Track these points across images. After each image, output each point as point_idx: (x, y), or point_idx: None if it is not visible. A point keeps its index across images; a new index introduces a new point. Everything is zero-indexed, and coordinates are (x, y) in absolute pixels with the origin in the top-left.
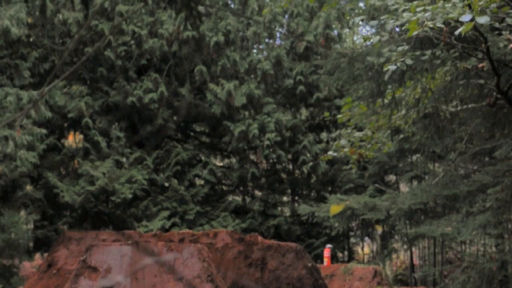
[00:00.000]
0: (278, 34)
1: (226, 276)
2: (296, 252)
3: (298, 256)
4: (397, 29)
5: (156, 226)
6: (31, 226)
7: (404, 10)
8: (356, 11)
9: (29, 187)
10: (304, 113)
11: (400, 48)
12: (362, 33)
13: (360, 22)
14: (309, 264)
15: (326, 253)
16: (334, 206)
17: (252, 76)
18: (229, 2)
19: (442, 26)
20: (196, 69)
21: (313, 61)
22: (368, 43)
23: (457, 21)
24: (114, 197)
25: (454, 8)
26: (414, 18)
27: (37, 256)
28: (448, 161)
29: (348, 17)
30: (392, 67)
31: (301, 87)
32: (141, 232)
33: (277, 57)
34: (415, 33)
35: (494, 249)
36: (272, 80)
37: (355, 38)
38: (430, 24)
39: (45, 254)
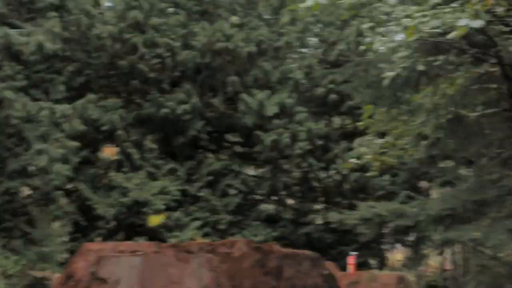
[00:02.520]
0: (310, 43)
1: (242, 285)
2: (312, 260)
3: (314, 264)
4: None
5: (187, 236)
6: (65, 238)
7: (405, 16)
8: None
9: (63, 200)
10: (336, 121)
11: (400, 54)
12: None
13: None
14: (325, 272)
15: (351, 260)
16: (153, 217)
17: (284, 85)
18: (262, 12)
19: (440, 31)
20: (229, 79)
21: (338, 70)
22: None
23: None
24: (147, 208)
25: (455, 13)
26: (412, 23)
27: (66, 268)
28: (479, 166)
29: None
30: (391, 73)
31: (332, 96)
32: (160, 243)
33: (309, 66)
34: (412, 38)
35: None
36: (304, 89)
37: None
38: (427, 29)
39: None
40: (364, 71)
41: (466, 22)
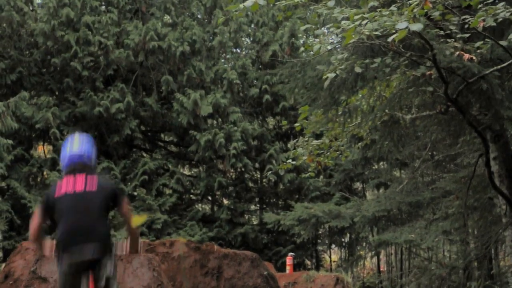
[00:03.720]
0: (244, 44)
1: (182, 286)
2: (252, 261)
3: (253, 265)
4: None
5: (123, 235)
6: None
7: (344, 18)
8: (309, 19)
9: None
10: (270, 122)
11: (339, 56)
12: (325, 42)
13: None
14: (265, 273)
15: (289, 261)
16: (137, 217)
17: (218, 85)
18: (195, 12)
19: (379, 33)
20: (163, 79)
21: (275, 70)
22: (323, 50)
23: (397, 29)
24: None
25: (394, 16)
26: (351, 26)
27: (3, 267)
28: (412, 168)
29: (302, 26)
30: (331, 75)
31: (267, 96)
32: None
33: (242, 67)
34: (351, 41)
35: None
36: (238, 89)
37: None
38: (366, 32)
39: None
40: (301, 72)
41: (405, 25)
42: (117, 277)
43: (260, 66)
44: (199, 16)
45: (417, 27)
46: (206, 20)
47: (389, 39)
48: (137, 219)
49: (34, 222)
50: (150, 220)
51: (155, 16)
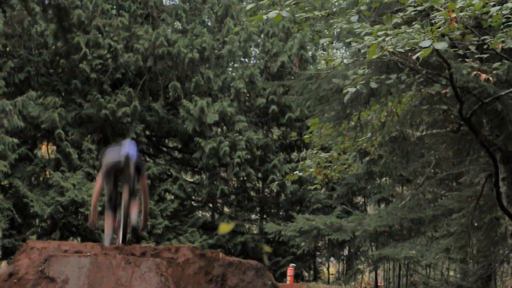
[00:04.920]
0: (253, 53)
1: None
2: (256, 270)
3: (258, 274)
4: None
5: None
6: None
7: (366, 34)
8: (326, 32)
9: None
10: (275, 132)
11: (361, 71)
12: (336, 56)
13: (332, 44)
14: (269, 282)
15: (290, 272)
16: (223, 225)
17: (226, 94)
18: (206, 19)
19: (402, 50)
20: (170, 85)
21: (284, 82)
22: (333, 65)
23: (419, 47)
24: (83, 209)
25: (418, 34)
26: (374, 42)
27: (3, 264)
28: (416, 185)
29: (319, 39)
30: (351, 89)
31: (273, 107)
32: (104, 244)
33: (250, 76)
34: (374, 56)
35: (457, 273)
36: (245, 98)
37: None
38: (390, 48)
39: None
40: (315, 85)
41: (429, 43)
42: (125, 280)
43: (268, 77)
44: (209, 24)
45: (441, 45)
46: (216, 28)
47: (414, 57)
48: (224, 227)
49: None
50: (151, 224)
51: (166, 22)
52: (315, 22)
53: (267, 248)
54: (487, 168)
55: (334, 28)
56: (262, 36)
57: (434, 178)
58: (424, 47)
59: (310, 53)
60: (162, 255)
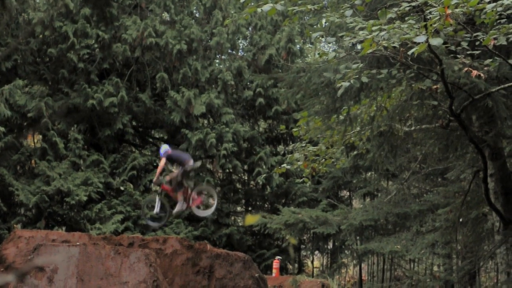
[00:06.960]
0: (241, 46)
1: (173, 283)
2: (244, 262)
3: (245, 266)
4: (358, 47)
5: (109, 229)
6: None
7: (360, 28)
8: (315, 26)
9: None
10: (262, 125)
11: (354, 66)
12: (324, 49)
13: (321, 38)
14: (256, 275)
15: (275, 264)
16: (250, 217)
17: (213, 85)
18: (194, 11)
19: (397, 46)
20: (158, 75)
21: (274, 74)
22: (325, 58)
23: (413, 42)
24: (69, 199)
25: (410, 29)
26: (369, 36)
27: None
28: (401, 179)
29: (310, 33)
30: (345, 84)
31: (260, 99)
32: (91, 234)
33: (238, 68)
34: (369, 51)
35: (441, 268)
36: (232, 90)
37: (317, 54)
38: (384, 43)
39: None
40: (305, 78)
41: (424, 39)
42: (114, 270)
43: (255, 69)
44: (198, 16)
45: (437, 41)
46: (204, 20)
47: (409, 52)
48: (250, 218)
49: None
50: (135, 216)
51: (154, 12)
52: (303, 16)
53: (293, 240)
54: (474, 164)
55: (325, 22)
56: (250, 28)
57: (420, 173)
58: (419, 43)
59: (298, 46)
60: (150, 246)
